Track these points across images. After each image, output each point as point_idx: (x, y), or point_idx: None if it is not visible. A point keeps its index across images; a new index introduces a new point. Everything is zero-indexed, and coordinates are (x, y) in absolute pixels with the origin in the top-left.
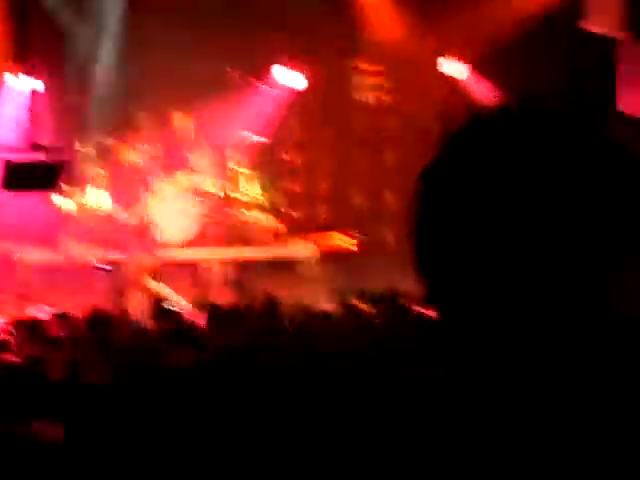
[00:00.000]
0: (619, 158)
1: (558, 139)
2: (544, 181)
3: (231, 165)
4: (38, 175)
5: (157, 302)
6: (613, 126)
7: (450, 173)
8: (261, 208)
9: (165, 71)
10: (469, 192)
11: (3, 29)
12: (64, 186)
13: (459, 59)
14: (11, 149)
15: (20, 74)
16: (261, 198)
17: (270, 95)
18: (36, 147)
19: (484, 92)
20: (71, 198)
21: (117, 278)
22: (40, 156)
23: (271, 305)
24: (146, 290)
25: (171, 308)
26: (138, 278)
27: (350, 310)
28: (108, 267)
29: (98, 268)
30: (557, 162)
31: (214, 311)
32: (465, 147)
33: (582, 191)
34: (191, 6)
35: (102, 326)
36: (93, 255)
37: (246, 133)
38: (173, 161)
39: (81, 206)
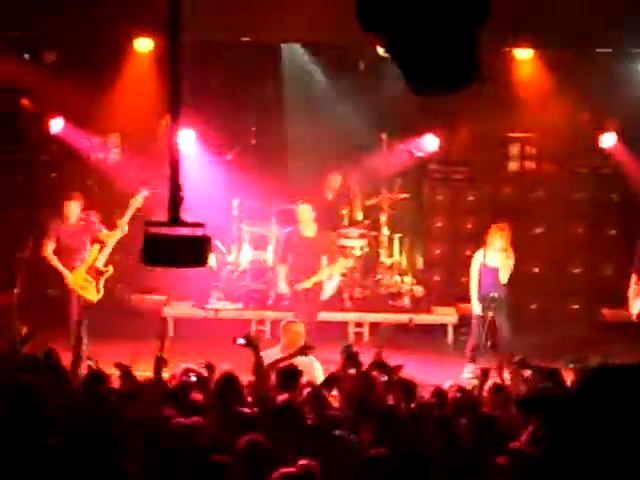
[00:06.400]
0: None
1: None
2: None
3: (384, 231)
4: (182, 250)
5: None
6: None
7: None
8: (404, 272)
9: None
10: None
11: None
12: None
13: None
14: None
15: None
16: (404, 262)
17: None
18: (180, 221)
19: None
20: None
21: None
22: (184, 230)
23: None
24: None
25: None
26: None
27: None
28: (242, 340)
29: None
30: None
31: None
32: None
33: None
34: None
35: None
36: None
37: (391, 195)
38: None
39: (232, 263)
